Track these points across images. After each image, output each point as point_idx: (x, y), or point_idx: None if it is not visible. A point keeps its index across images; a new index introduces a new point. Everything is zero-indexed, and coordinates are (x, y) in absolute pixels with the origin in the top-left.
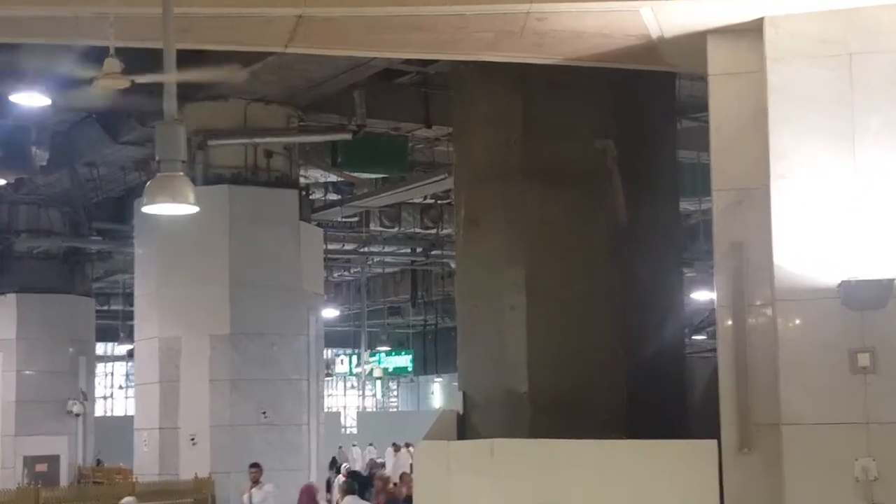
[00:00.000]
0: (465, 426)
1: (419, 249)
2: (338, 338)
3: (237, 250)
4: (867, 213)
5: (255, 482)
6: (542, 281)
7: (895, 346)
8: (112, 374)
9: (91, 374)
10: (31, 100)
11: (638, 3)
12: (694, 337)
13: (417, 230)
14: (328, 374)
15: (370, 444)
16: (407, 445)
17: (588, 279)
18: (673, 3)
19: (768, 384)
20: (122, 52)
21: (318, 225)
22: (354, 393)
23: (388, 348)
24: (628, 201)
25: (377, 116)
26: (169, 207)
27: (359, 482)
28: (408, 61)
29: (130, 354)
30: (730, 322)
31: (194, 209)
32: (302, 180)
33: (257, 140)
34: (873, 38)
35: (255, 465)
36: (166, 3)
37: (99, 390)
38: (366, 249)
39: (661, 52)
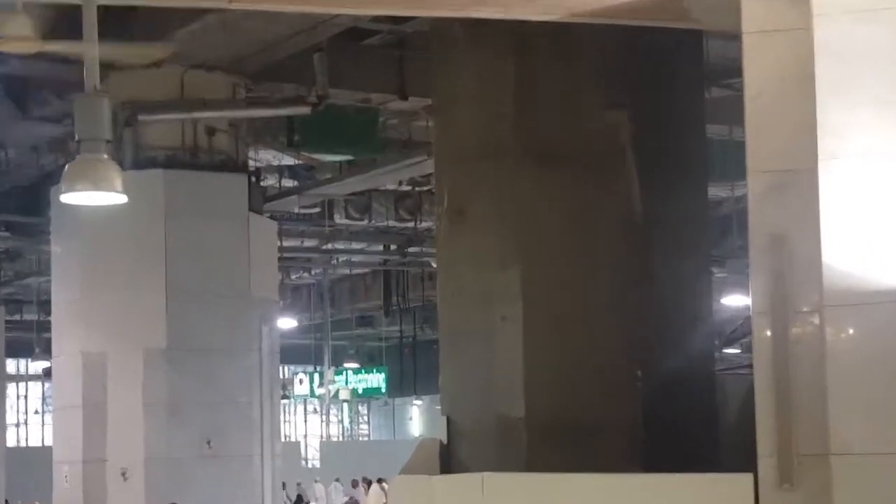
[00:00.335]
0: (449, 458)
1: (393, 246)
2: (296, 353)
3: (175, 248)
4: None
5: None
6: (541, 285)
7: None
8: (26, 396)
9: (0, 396)
10: None
11: None
12: (725, 350)
13: (391, 223)
14: (285, 397)
15: (336, 480)
16: (380, 481)
17: (596, 283)
18: None
19: (815, 407)
20: (32, 9)
21: (272, 217)
22: (317, 419)
23: (356, 365)
24: (645, 188)
25: (342, 86)
26: (92, 196)
27: None
28: (378, 18)
29: (48, 373)
30: (768, 332)
31: (122, 198)
32: (251, 164)
33: (197, 115)
34: None
35: None
36: None
37: (10, 416)
38: (329, 247)
39: (685, 6)
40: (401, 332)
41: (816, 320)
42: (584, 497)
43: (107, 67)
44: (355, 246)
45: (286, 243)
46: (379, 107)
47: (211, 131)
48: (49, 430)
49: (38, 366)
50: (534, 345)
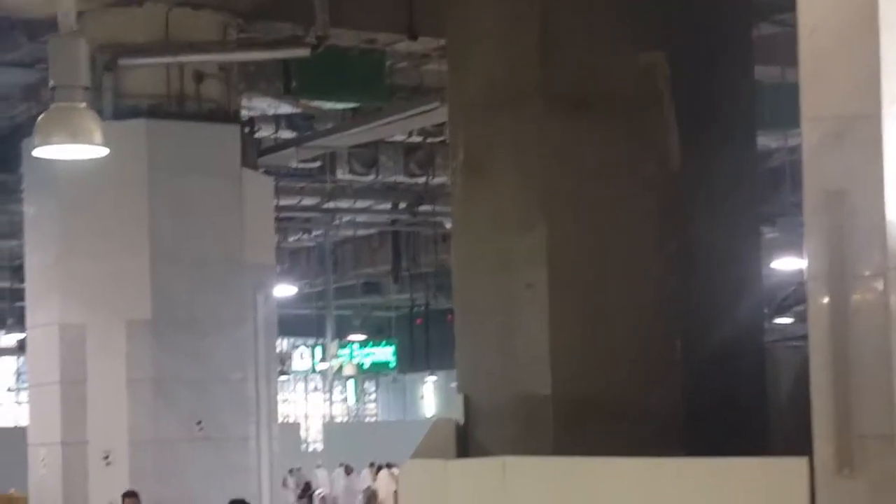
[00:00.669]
0: (466, 440)
1: (403, 205)
2: (295, 324)
3: (159, 208)
4: None
5: None
6: (569, 248)
7: None
8: None
9: None
10: None
11: None
12: (776, 320)
13: (400, 179)
14: (283, 373)
15: (340, 465)
16: (389, 466)
17: (631, 245)
18: None
19: (878, 383)
20: None
21: (267, 172)
22: (319, 397)
23: (362, 337)
24: (686, 138)
25: (344, 25)
26: (68, 149)
27: None
28: None
29: (21, 346)
30: (825, 299)
31: (101, 151)
32: (244, 113)
33: (184, 58)
34: None
35: (130, 495)
36: None
37: None
38: (331, 205)
39: None
40: (411, 300)
41: (880, 285)
42: (616, 484)
43: (84, 5)
44: (360, 204)
45: (283, 202)
46: (386, 48)
47: (199, 77)
48: (24, 409)
49: (10, 339)
50: (561, 315)
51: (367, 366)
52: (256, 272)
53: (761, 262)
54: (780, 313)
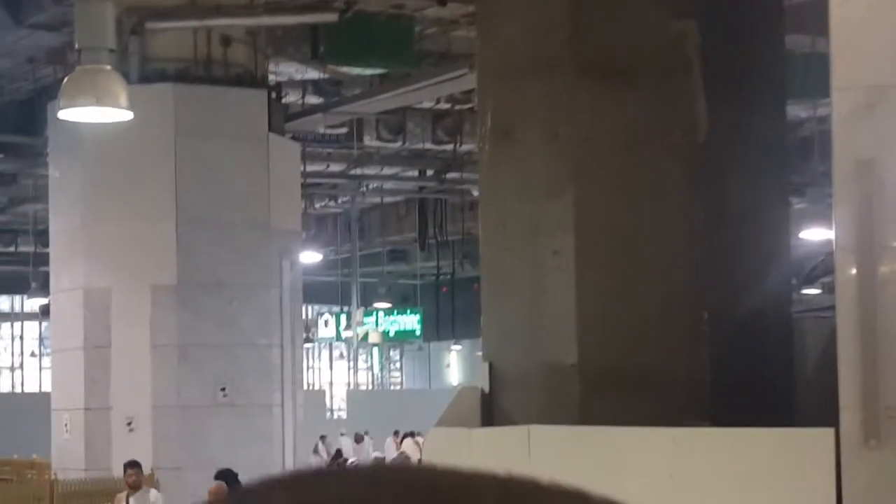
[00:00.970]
0: (491, 408)
1: (430, 172)
2: (321, 291)
3: (186, 173)
4: None
5: (134, 488)
6: (597, 216)
7: None
8: (21, 337)
9: None
10: None
11: None
12: (804, 291)
13: (427, 146)
14: (308, 340)
15: (365, 433)
16: (413, 434)
17: (658, 213)
18: None
19: None
20: None
21: (294, 138)
22: (343, 365)
23: (388, 305)
24: (715, 107)
25: None
26: (93, 112)
27: None
28: None
29: (45, 311)
30: (853, 270)
31: (127, 115)
32: (271, 78)
33: (210, 22)
34: None
35: (132, 465)
36: None
37: (4, 359)
38: (358, 171)
39: None
40: (438, 268)
41: None
42: (643, 453)
43: None
44: (387, 171)
45: (310, 168)
46: (414, 14)
47: (226, 41)
48: (47, 374)
49: (34, 303)
50: (588, 283)
51: (392, 334)
52: (282, 238)
53: (789, 232)
54: (808, 284)
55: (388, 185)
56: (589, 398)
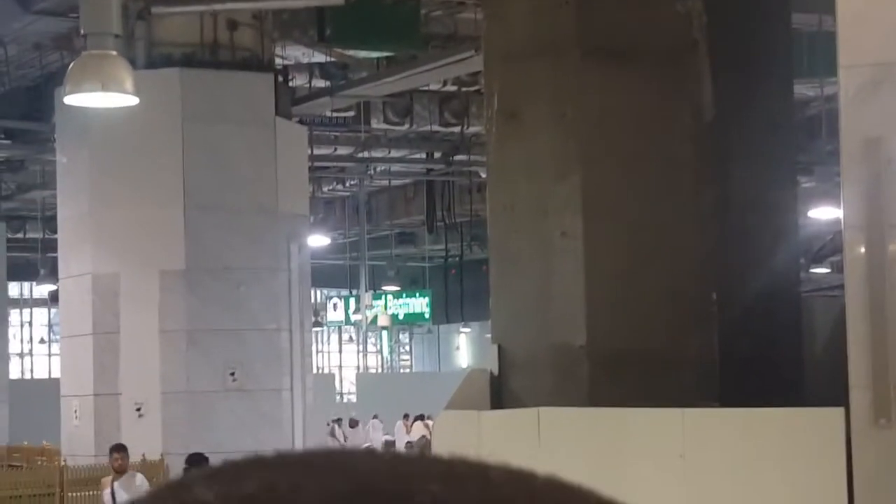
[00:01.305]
0: (501, 391)
1: (437, 154)
2: (329, 275)
3: (193, 157)
4: None
5: (120, 472)
6: (605, 197)
7: None
8: (30, 323)
9: (2, 323)
10: None
11: None
12: (812, 270)
13: (435, 128)
14: (317, 324)
15: (374, 417)
16: (422, 417)
17: (666, 194)
18: None
19: None
20: None
21: (301, 122)
22: (352, 348)
23: (397, 288)
24: (722, 87)
25: None
26: (100, 98)
27: None
28: None
29: (54, 297)
30: (862, 249)
31: (133, 100)
32: (278, 61)
33: (217, 6)
34: None
35: (118, 449)
36: None
37: (13, 345)
38: (365, 154)
39: None
40: (446, 250)
41: None
42: (652, 433)
43: None
44: (395, 154)
45: (317, 151)
46: None
47: (233, 25)
48: (56, 360)
49: (43, 289)
50: (597, 264)
51: (401, 317)
52: (290, 222)
53: (797, 211)
54: (816, 263)
55: (396, 167)
56: (598, 380)
